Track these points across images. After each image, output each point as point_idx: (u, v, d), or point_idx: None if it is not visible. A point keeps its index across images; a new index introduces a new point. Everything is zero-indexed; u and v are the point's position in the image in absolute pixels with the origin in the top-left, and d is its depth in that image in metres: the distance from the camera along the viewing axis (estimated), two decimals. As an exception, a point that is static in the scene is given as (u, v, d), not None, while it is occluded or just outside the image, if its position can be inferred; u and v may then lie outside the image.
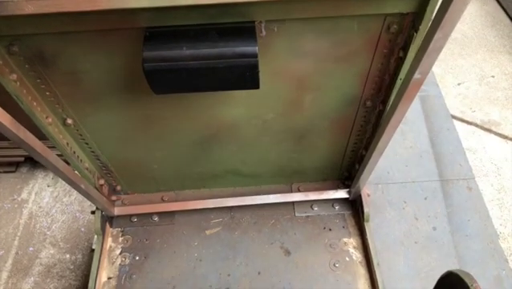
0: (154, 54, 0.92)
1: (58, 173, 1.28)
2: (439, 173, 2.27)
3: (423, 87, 2.73)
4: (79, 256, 2.09)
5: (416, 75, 0.93)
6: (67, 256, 2.09)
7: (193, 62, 0.93)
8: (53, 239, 2.14)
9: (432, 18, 0.86)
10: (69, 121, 1.30)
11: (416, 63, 0.93)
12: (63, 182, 2.36)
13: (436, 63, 3.05)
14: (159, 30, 0.94)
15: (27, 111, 1.17)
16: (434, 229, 2.04)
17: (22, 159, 2.34)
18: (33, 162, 2.41)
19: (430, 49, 0.85)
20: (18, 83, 1.10)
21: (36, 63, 1.08)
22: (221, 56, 0.93)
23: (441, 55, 3.03)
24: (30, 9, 0.86)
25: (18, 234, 2.19)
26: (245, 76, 0.98)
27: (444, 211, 2.10)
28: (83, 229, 2.18)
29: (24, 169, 2.44)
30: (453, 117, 2.64)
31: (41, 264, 2.07)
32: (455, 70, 2.97)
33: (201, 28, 0.95)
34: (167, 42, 0.93)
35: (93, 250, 1.77)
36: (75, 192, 2.32)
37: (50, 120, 1.26)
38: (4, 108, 0.97)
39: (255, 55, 0.94)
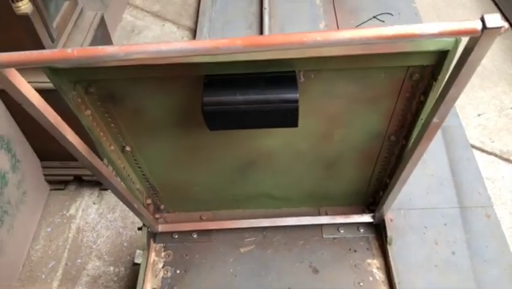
0: (212, 100, 1.10)
1: (117, 193, 1.47)
2: (458, 201, 2.37)
3: None
4: (122, 269, 2.27)
5: (435, 120, 1.08)
6: (111, 268, 2.28)
7: (244, 106, 1.11)
8: (98, 252, 2.34)
9: (448, 74, 1.02)
10: (127, 148, 1.48)
11: (434, 110, 1.08)
12: (107, 200, 2.57)
13: None
14: (216, 78, 1.12)
15: (95, 141, 1.37)
16: (453, 253, 2.15)
17: (71, 178, 2.56)
18: (80, 181, 2.62)
19: (447, 99, 1.01)
20: (91, 118, 1.29)
21: (107, 101, 1.27)
22: (267, 101, 1.10)
23: None
24: (113, 63, 1.06)
25: (68, 246, 2.39)
26: (287, 117, 1.15)
27: (463, 237, 2.20)
28: (125, 244, 2.37)
29: (72, 187, 2.65)
30: (473, 147, 2.74)
31: (88, 275, 2.26)
32: (475, 101, 3.08)
33: (251, 77, 1.12)
34: (223, 89, 1.11)
35: (135, 264, 1.94)
36: (118, 210, 2.53)
37: (112, 147, 1.45)
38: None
39: (296, 101, 1.11)
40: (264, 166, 1.64)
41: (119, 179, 1.48)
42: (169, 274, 1.81)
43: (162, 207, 1.90)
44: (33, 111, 0.97)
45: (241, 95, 1.10)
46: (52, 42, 1.99)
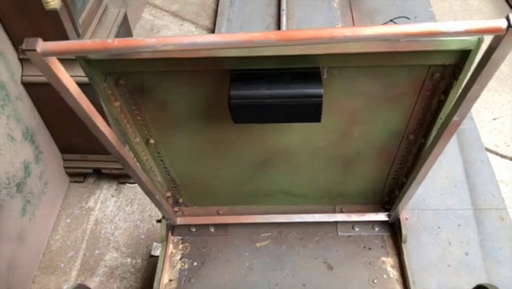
0: (239, 93, 1.14)
1: (140, 184, 1.51)
2: (472, 202, 2.39)
3: None
4: (139, 260, 2.32)
5: (455, 118, 1.11)
6: (128, 260, 2.33)
7: (269, 100, 1.14)
8: (116, 244, 2.39)
9: (471, 72, 1.05)
10: (151, 141, 1.53)
11: (455, 108, 1.11)
12: (125, 193, 2.62)
13: None
14: (242, 73, 1.16)
15: (122, 132, 1.41)
16: (466, 254, 2.17)
17: (91, 171, 2.62)
18: (99, 174, 2.68)
19: (468, 97, 1.04)
20: (119, 109, 1.34)
21: (135, 93, 1.32)
22: (292, 96, 1.14)
23: None
24: (144, 55, 1.10)
25: (86, 237, 2.44)
26: (311, 112, 1.19)
27: (476, 238, 2.22)
28: (142, 237, 2.42)
29: (91, 180, 2.71)
30: (488, 150, 2.75)
31: (105, 266, 2.31)
32: (491, 105, 3.09)
33: (276, 72, 1.16)
34: (249, 84, 1.15)
35: (152, 256, 1.98)
36: (136, 203, 2.58)
37: (137, 139, 1.49)
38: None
39: (320, 96, 1.14)
40: (282, 163, 1.67)
41: (142, 171, 1.52)
42: (186, 265, 1.85)
43: (181, 200, 1.94)
44: (69, 100, 1.02)
45: (266, 90, 1.13)
46: (78, 36, 2.05)
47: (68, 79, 0.97)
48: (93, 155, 2.58)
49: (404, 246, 1.80)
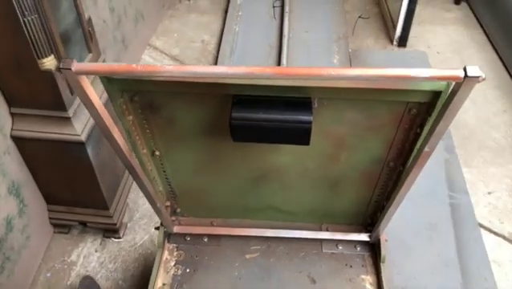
0: (239, 115, 1.31)
1: (144, 192, 1.66)
2: (463, 284, 2.34)
3: (453, 194, 2.88)
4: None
5: (426, 149, 1.28)
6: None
7: (266, 122, 1.31)
8: (96, 304, 2.35)
9: (438, 110, 1.22)
10: (157, 153, 1.68)
11: (426, 141, 1.28)
12: (110, 249, 2.66)
13: (467, 169, 3.25)
14: (243, 98, 1.33)
15: (131, 143, 1.57)
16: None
17: (76, 223, 2.63)
18: (84, 226, 2.68)
19: (436, 132, 1.20)
20: (131, 122, 1.50)
21: (146, 109, 1.48)
22: (285, 121, 1.31)
23: (474, 162, 3.22)
24: (158, 78, 1.27)
25: (66, 294, 2.42)
26: (300, 136, 1.35)
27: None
28: (123, 298, 2.43)
29: (76, 232, 2.70)
30: (481, 226, 2.73)
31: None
32: (486, 178, 3.08)
33: (273, 99, 1.33)
34: (249, 107, 1.31)
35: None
36: (120, 260, 2.62)
37: (144, 150, 1.65)
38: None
39: (309, 122, 1.31)
40: (274, 181, 1.83)
41: (147, 180, 1.68)
42: (180, 272, 1.99)
43: (178, 210, 2.08)
44: (93, 113, 1.18)
45: (263, 114, 1.30)
46: (71, 94, 2.12)
47: (93, 95, 1.14)
48: (79, 208, 2.59)
49: (382, 265, 1.94)
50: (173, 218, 2.09)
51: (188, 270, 1.99)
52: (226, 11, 4.43)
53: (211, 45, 4.14)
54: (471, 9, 4.70)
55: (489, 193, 2.97)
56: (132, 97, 1.42)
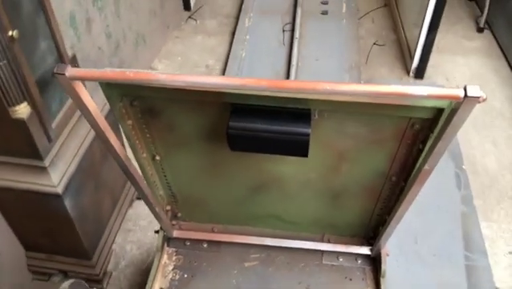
0: (237, 125, 1.29)
1: (143, 196, 1.66)
2: None
3: (470, 255, 2.64)
4: None
5: (426, 167, 1.25)
6: None
7: (263, 133, 1.29)
8: None
9: (439, 128, 1.18)
10: (157, 157, 1.68)
11: (426, 158, 1.24)
12: None
13: (486, 223, 2.87)
14: (241, 107, 1.31)
15: (132, 148, 1.56)
16: None
17: (57, 271, 2.51)
18: (64, 275, 2.53)
19: (435, 151, 1.17)
20: (131, 127, 1.50)
21: (146, 114, 1.48)
22: (283, 132, 1.29)
23: (494, 215, 2.90)
24: (160, 84, 1.26)
25: None
26: (298, 148, 1.33)
27: None
28: None
29: (56, 279, 2.54)
30: None
31: None
32: (508, 234, 2.78)
33: (272, 109, 1.31)
34: (246, 117, 1.30)
35: None
36: None
37: (144, 155, 1.64)
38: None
39: (307, 135, 1.29)
40: (275, 190, 1.80)
41: (146, 184, 1.67)
42: (177, 276, 1.98)
43: (179, 215, 2.07)
44: (88, 117, 1.18)
45: (261, 124, 1.28)
46: (49, 142, 1.97)
47: (89, 100, 1.13)
48: (59, 256, 2.47)
49: (382, 280, 1.90)
50: (174, 222, 2.08)
51: (185, 276, 1.98)
52: (234, 33, 4.25)
53: (215, 70, 3.94)
54: (495, 38, 4.32)
55: (510, 252, 2.68)
56: (131, 102, 1.42)
